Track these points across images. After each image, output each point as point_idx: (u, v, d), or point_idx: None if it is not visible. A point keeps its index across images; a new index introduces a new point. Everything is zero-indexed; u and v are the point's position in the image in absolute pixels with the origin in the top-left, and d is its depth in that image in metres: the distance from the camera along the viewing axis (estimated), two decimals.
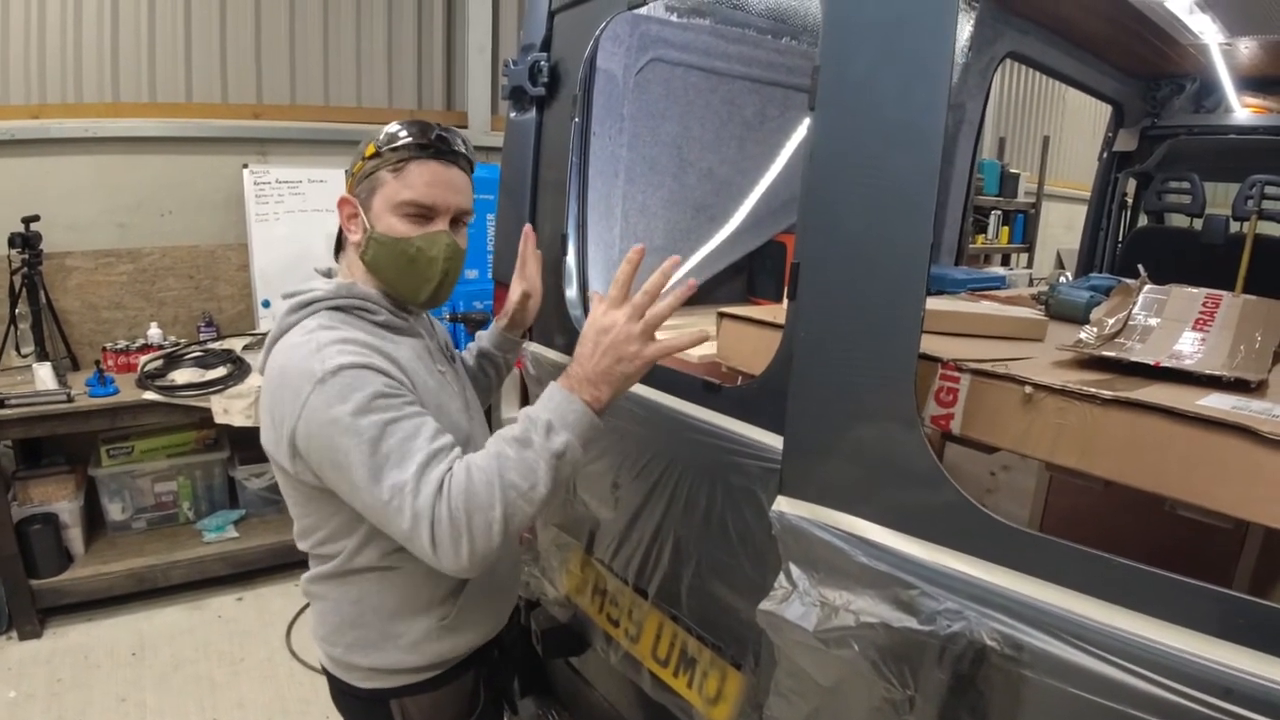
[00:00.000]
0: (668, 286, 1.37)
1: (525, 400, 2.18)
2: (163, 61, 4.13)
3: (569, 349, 2.03)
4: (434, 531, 1.20)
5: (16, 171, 3.80)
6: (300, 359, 1.31)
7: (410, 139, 1.40)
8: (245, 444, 3.90)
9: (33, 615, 3.44)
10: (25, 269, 3.62)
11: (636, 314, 1.32)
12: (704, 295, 2.74)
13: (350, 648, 1.51)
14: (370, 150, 1.42)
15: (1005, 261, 7.49)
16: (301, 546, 1.52)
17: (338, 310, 1.42)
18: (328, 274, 1.54)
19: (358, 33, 4.60)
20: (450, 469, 1.24)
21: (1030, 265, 7.38)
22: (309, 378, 1.27)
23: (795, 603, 1.25)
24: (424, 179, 1.41)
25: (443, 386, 1.50)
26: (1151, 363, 1.37)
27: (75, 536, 3.66)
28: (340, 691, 1.59)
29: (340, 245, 1.56)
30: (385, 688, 1.53)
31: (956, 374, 1.38)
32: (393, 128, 1.42)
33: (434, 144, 1.41)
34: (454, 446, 1.30)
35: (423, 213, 1.42)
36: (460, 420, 1.51)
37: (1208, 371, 1.33)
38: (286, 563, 3.83)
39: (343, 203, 1.47)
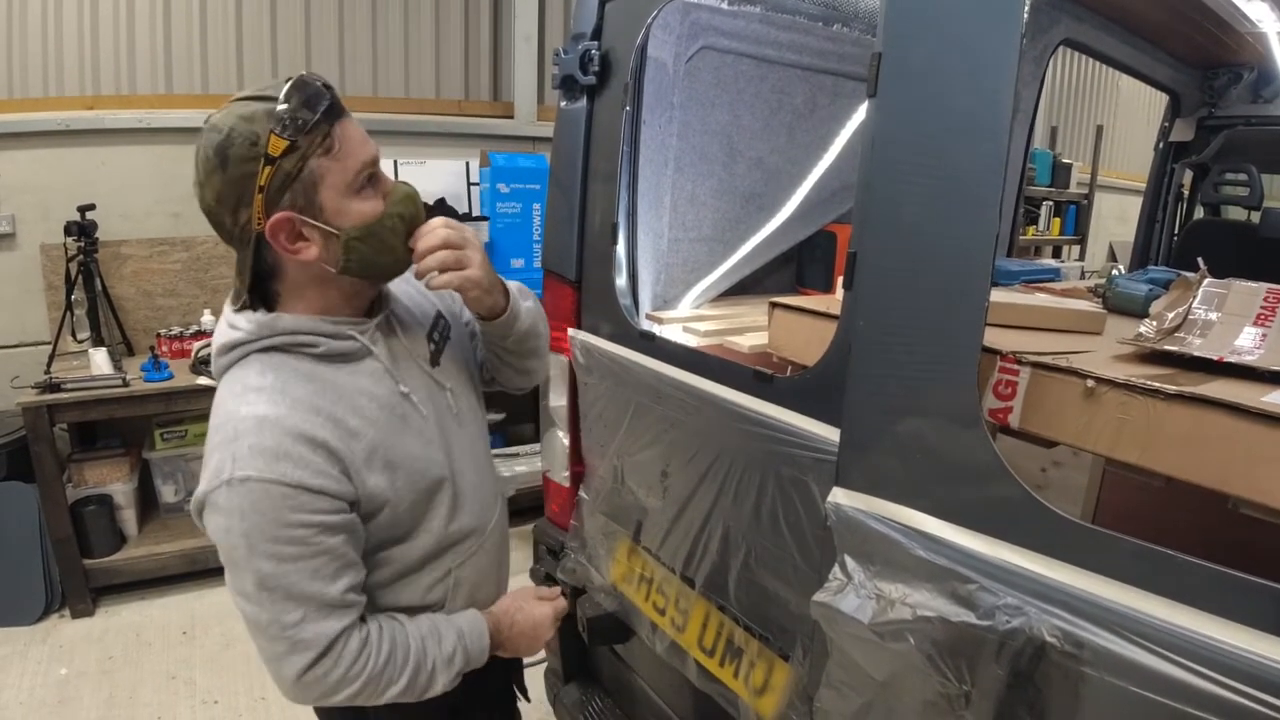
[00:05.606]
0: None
1: (573, 388, 2.18)
2: (214, 53, 4.20)
3: (617, 338, 2.04)
4: (313, 668, 1.22)
5: (72, 161, 3.89)
6: (219, 428, 1.22)
7: (316, 108, 1.19)
8: None
9: (86, 594, 3.54)
10: (81, 256, 3.71)
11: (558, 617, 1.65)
12: (753, 285, 2.72)
13: None
14: (278, 147, 1.15)
15: (1056, 254, 7.37)
16: None
17: (271, 351, 1.26)
18: (239, 309, 1.30)
19: (405, 24, 4.65)
20: (353, 627, 1.27)
21: (1082, 257, 7.24)
22: (220, 470, 1.18)
23: (850, 595, 1.25)
24: (354, 137, 1.24)
25: (404, 419, 1.36)
26: (1215, 358, 1.34)
27: (129, 518, 3.76)
28: None
29: (258, 290, 1.30)
30: None
31: (1016, 367, 1.36)
32: (269, 108, 1.17)
33: (335, 102, 1.22)
34: (355, 595, 1.28)
35: (374, 171, 1.27)
36: (428, 453, 1.39)
37: (1272, 367, 1.29)
38: None
39: (276, 228, 1.18)
